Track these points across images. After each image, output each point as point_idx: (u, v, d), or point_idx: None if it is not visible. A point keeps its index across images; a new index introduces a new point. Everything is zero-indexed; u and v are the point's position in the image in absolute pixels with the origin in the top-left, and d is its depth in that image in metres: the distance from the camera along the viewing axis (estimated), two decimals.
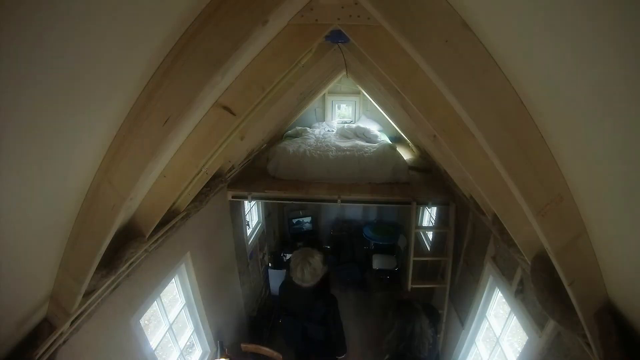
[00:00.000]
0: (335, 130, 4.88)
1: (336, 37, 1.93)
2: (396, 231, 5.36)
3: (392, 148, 3.78)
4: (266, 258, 4.98)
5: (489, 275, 2.41)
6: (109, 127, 1.13)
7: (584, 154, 0.88)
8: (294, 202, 3.54)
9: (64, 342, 1.43)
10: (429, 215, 4.32)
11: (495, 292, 2.43)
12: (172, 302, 2.89)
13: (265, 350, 2.96)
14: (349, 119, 5.59)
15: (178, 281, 2.65)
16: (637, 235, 0.87)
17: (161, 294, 2.34)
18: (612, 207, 0.91)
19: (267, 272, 4.91)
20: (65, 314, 1.39)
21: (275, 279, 4.90)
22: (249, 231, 4.25)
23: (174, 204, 2.10)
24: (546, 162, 0.98)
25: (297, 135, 4.62)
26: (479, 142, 1.06)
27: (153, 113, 1.12)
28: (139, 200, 1.74)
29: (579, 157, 0.91)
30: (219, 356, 2.98)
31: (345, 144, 4.11)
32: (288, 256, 4.98)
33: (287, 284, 2.48)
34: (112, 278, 1.64)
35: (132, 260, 1.76)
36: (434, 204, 3.47)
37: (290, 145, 3.80)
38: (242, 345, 3.11)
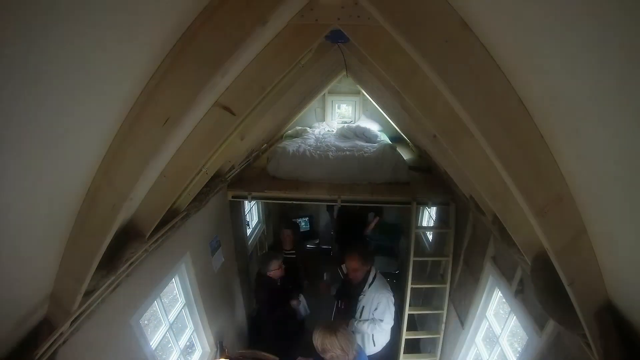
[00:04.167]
0: (335, 130, 4.87)
1: (336, 37, 1.94)
2: (397, 231, 5.34)
3: (392, 148, 3.78)
4: None
5: (489, 275, 2.41)
6: (109, 127, 1.13)
7: (584, 154, 0.88)
8: (294, 202, 3.54)
9: (64, 341, 1.43)
10: (428, 215, 4.32)
11: (495, 292, 2.43)
12: (172, 302, 2.89)
13: (262, 354, 2.96)
14: (349, 119, 5.59)
15: (178, 281, 2.64)
16: (637, 235, 0.87)
17: (161, 294, 2.34)
18: (612, 207, 0.91)
19: None
20: (66, 314, 1.39)
21: None
22: (249, 231, 4.25)
23: (174, 204, 2.10)
24: (546, 162, 0.98)
25: (297, 135, 4.62)
26: (479, 142, 1.06)
27: (153, 113, 1.12)
28: (139, 200, 1.74)
29: (579, 157, 0.91)
30: (218, 356, 2.98)
31: (345, 144, 4.10)
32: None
33: None
34: (112, 278, 1.63)
35: (132, 260, 1.75)
36: (434, 204, 3.46)
37: (290, 145, 3.79)
38: (239, 351, 3.11)
